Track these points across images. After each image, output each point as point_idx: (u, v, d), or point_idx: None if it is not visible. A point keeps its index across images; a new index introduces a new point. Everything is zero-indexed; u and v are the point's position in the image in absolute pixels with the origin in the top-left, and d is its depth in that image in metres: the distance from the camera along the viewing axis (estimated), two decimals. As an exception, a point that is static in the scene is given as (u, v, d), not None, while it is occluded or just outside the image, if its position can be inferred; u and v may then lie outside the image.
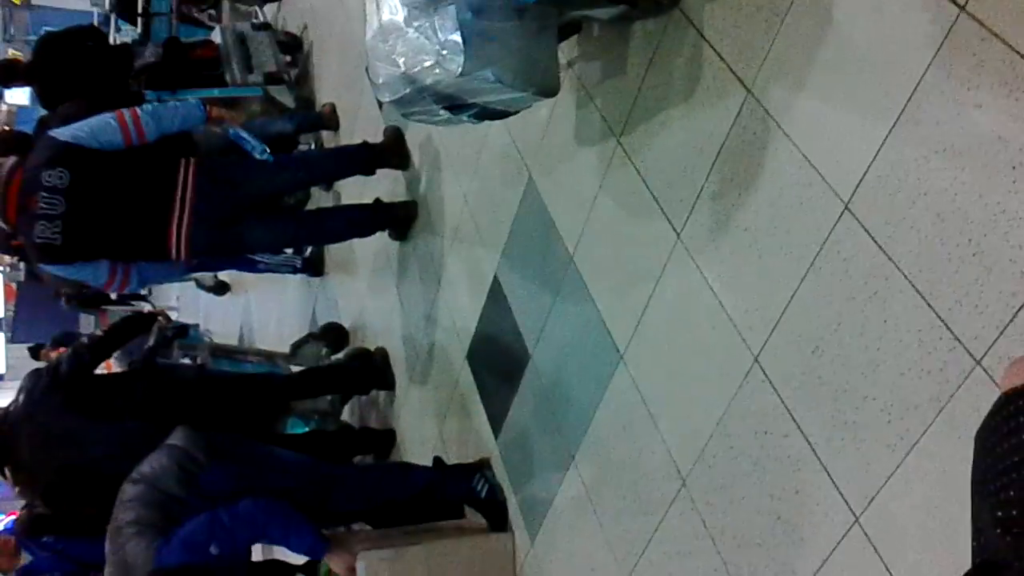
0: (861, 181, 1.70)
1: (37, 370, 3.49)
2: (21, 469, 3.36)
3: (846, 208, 1.74)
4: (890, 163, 1.65)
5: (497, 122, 2.54)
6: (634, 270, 2.39)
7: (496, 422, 3.13)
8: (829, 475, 1.77)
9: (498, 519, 3.05)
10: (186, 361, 4.54)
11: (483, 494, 3.09)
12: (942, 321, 1.55)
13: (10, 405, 3.39)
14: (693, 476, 2.14)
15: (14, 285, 14.64)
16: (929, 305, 1.57)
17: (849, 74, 1.75)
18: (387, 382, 4.08)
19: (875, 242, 1.67)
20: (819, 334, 1.79)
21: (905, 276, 1.61)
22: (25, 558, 4.26)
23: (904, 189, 1.62)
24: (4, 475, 3.41)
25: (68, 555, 4.18)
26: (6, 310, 15.81)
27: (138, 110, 3.28)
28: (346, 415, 4.46)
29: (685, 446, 2.17)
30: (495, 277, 3.16)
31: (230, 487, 2.83)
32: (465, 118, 2.32)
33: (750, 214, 1.98)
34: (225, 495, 2.79)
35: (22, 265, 4.88)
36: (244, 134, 3.40)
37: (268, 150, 3.42)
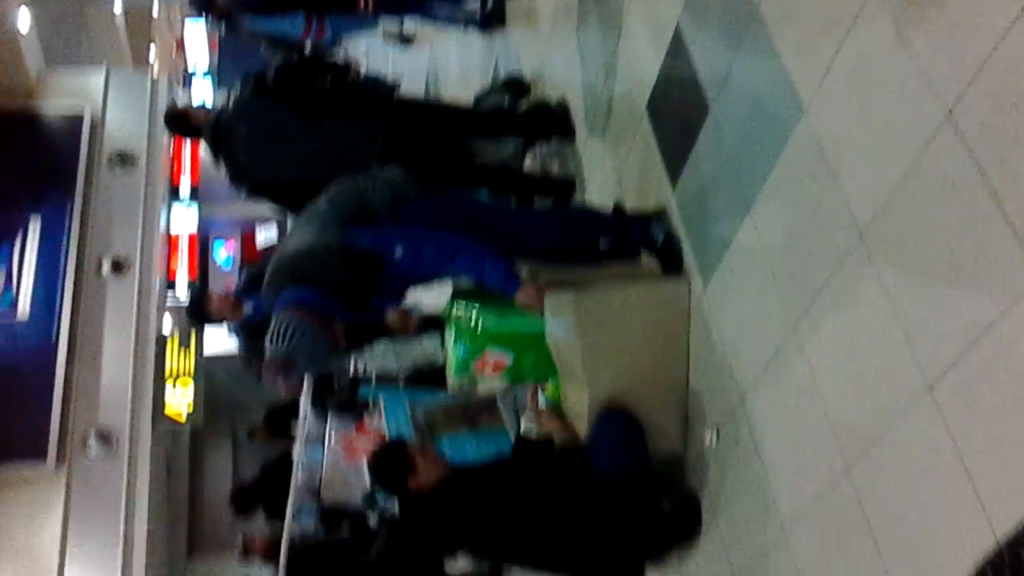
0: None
1: (246, 75, 3.83)
2: (233, 160, 3.77)
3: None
4: None
5: None
6: (823, 22, 2.29)
7: (674, 172, 3.19)
8: (1015, 231, 1.75)
9: (674, 264, 3.19)
10: None
11: (660, 240, 3.21)
12: None
13: (222, 105, 3.80)
14: (871, 231, 2.16)
15: (216, 38, 16.14)
16: None
17: None
18: (568, 130, 4.16)
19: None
20: (1021, 89, 1.71)
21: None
22: (248, 308, 4.84)
23: None
24: (218, 162, 3.85)
25: None
26: (211, 59, 17.74)
27: None
28: (527, 163, 4.61)
29: (865, 200, 2.18)
30: (677, 26, 3.09)
31: (429, 221, 3.08)
32: None
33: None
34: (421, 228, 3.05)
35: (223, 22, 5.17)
36: None
37: None
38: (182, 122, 4.01)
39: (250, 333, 4.93)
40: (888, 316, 2.11)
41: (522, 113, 4.39)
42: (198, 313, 5.01)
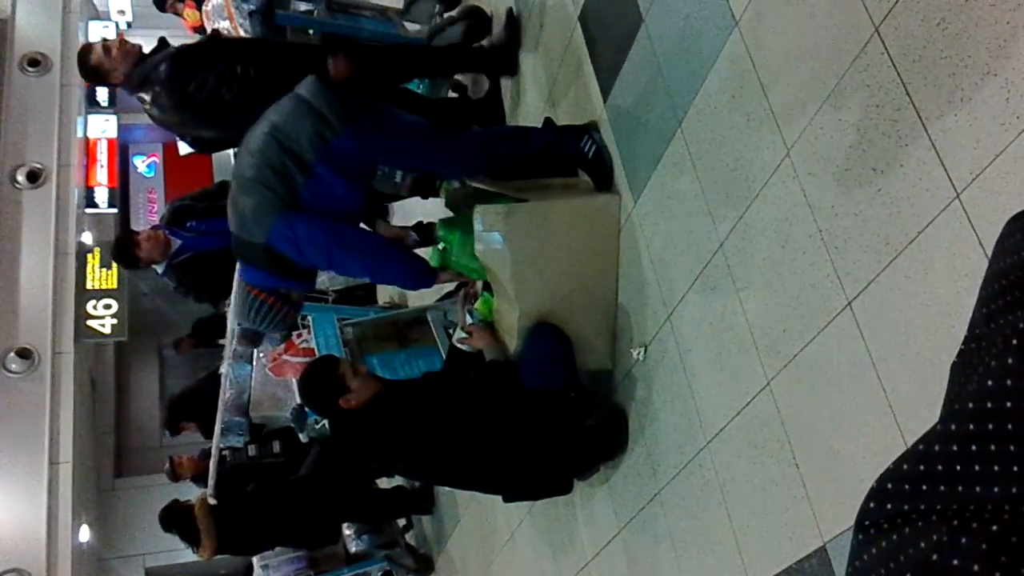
0: None
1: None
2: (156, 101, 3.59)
3: None
4: None
5: None
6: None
7: (606, 85, 3.14)
8: (936, 150, 1.77)
9: (604, 179, 3.16)
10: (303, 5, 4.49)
11: (591, 154, 3.17)
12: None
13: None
14: (798, 146, 2.16)
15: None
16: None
17: None
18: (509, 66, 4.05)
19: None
20: (948, 5, 1.70)
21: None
22: (175, 245, 4.72)
23: None
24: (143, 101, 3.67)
25: (213, 231, 4.61)
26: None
27: None
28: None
29: (793, 116, 2.17)
30: (611, -68, 3.00)
31: (361, 153, 3.01)
32: None
33: None
34: (353, 160, 2.98)
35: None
36: None
37: None
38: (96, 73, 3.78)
39: (180, 269, 4.82)
40: (813, 231, 2.13)
41: (458, 46, 4.22)
42: (126, 259, 4.85)
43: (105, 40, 3.81)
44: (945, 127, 1.75)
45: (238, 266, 3.70)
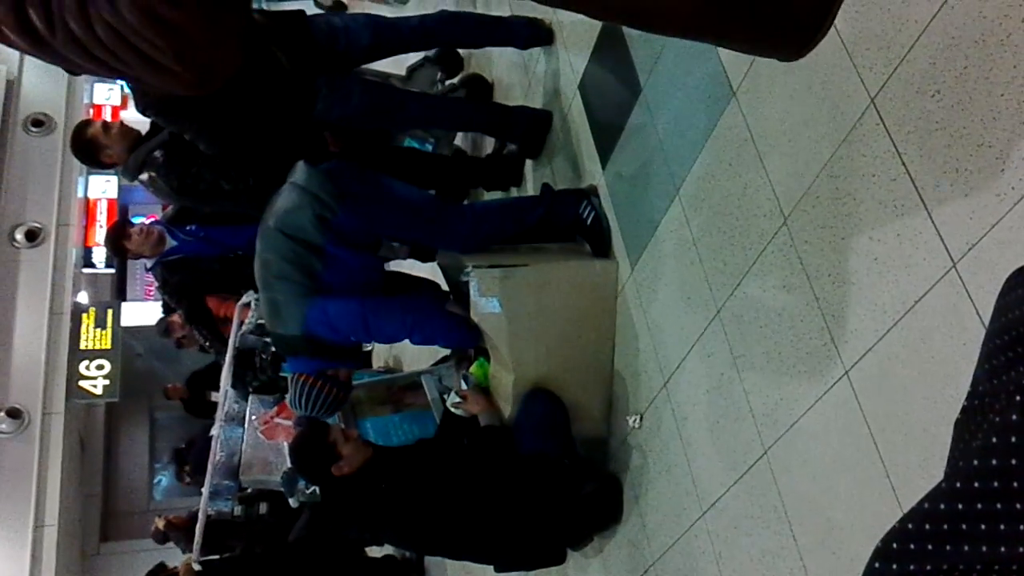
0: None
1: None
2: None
3: (993, -62, 1.60)
4: None
5: None
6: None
7: (604, 152, 3.17)
8: (932, 220, 1.77)
9: (602, 245, 3.17)
10: None
11: (589, 220, 3.19)
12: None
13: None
14: (795, 214, 2.17)
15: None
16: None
17: None
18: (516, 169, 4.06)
19: (1018, -22, 1.56)
20: (942, 78, 1.73)
21: (1045, 17, 1.52)
22: (170, 244, 4.71)
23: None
24: (142, 183, 3.71)
25: (212, 240, 4.62)
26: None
27: None
28: (459, 140, 4.55)
29: (790, 185, 2.19)
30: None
31: (362, 226, 3.09)
32: None
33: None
34: (357, 233, 3.04)
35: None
36: None
37: None
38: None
39: (168, 268, 4.81)
40: (810, 299, 2.13)
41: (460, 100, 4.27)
42: (116, 248, 4.87)
43: (106, 121, 3.86)
44: (941, 197, 1.76)
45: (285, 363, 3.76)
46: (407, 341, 3.30)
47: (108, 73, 1.13)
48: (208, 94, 1.16)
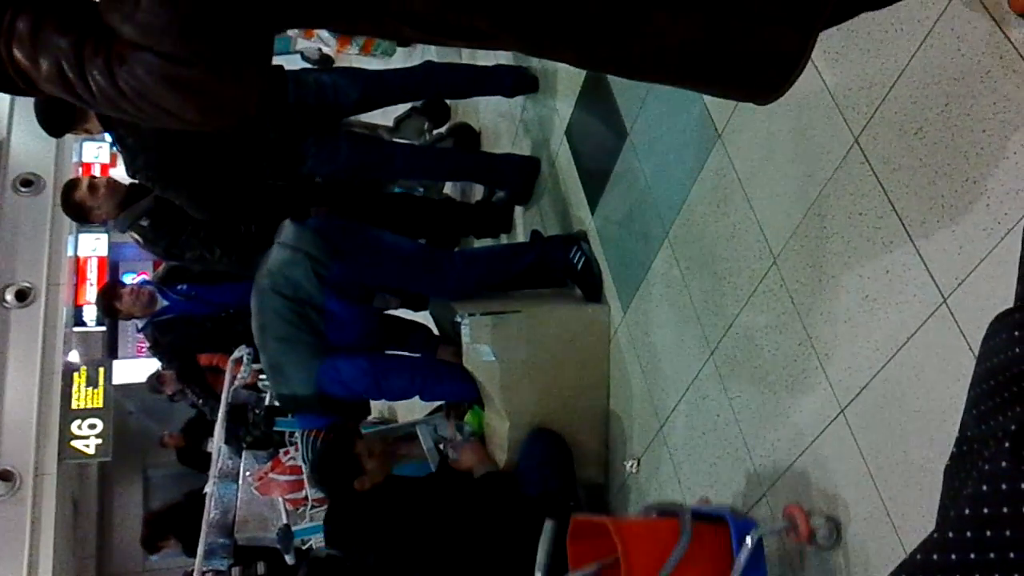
0: (986, -52, 1.59)
1: None
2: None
3: (966, -21, 1.63)
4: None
5: None
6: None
7: (593, 197, 3.18)
8: (920, 256, 1.78)
9: (593, 290, 3.17)
10: None
11: (579, 265, 3.19)
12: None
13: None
14: (784, 254, 2.18)
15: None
16: (1044, 85, 1.50)
17: None
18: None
19: (993, 18, 1.58)
20: (924, 115, 1.74)
21: (1022, 56, 1.54)
22: (161, 304, 4.69)
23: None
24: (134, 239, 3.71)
25: (203, 299, 4.60)
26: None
27: None
28: (449, 188, 4.58)
29: (778, 225, 2.20)
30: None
31: (355, 277, 3.15)
32: None
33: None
34: (352, 287, 3.14)
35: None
36: None
37: None
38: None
39: (160, 328, 4.78)
40: (803, 338, 2.12)
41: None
42: (107, 309, 4.83)
43: (93, 178, 3.87)
44: (928, 233, 1.76)
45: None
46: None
47: (141, 119, 1.18)
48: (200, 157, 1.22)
